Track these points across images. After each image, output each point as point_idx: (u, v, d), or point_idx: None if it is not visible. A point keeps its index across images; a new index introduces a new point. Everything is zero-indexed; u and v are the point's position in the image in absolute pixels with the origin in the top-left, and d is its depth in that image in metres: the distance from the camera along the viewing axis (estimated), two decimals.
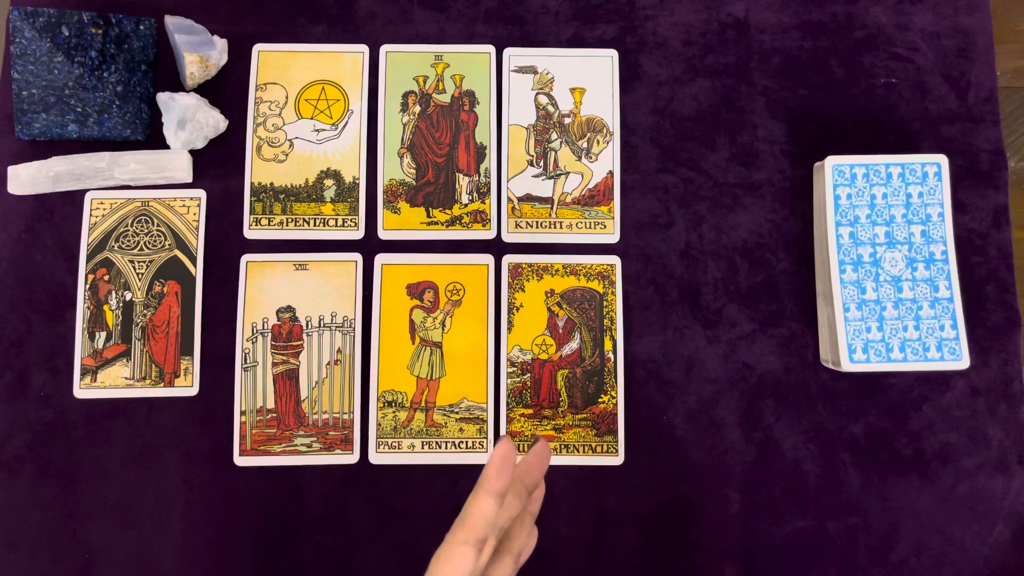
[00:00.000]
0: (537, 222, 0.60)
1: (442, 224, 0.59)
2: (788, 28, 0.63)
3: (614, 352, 0.59)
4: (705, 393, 0.58)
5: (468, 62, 0.61)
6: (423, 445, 0.57)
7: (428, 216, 0.60)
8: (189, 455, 0.57)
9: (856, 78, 0.62)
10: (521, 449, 0.57)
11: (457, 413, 0.58)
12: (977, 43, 0.63)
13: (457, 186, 0.60)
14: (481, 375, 0.58)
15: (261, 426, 0.57)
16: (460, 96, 0.61)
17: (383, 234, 0.60)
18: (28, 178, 0.59)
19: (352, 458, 0.57)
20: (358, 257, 0.59)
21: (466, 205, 0.60)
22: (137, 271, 0.59)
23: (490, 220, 0.59)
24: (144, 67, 0.60)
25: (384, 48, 0.61)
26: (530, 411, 0.58)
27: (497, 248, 0.60)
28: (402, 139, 0.60)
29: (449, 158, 0.60)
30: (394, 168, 0.60)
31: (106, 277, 0.59)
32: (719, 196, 0.61)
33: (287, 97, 0.61)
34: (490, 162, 0.60)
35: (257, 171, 0.60)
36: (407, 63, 0.61)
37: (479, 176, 0.60)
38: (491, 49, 0.62)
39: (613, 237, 0.60)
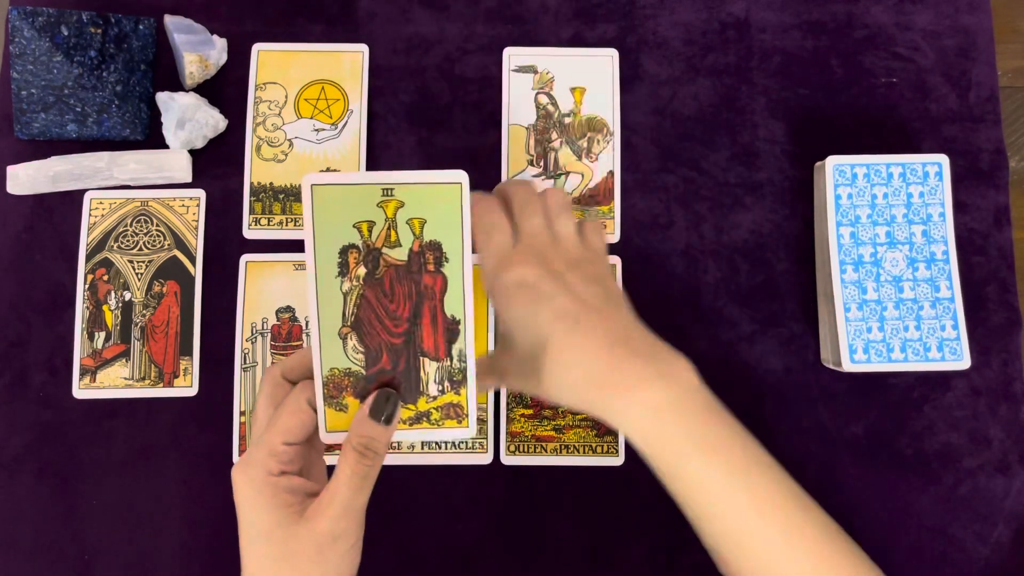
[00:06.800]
0: None
1: (405, 423, 0.44)
2: (789, 27, 0.63)
3: None
4: None
5: (429, 198, 0.42)
6: (423, 445, 0.57)
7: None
8: (189, 455, 0.57)
9: (857, 78, 0.62)
10: (522, 451, 0.57)
11: None
12: (978, 42, 0.63)
13: (422, 374, 0.44)
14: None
15: None
16: (421, 250, 0.43)
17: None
18: (27, 178, 0.59)
19: None
20: None
21: (435, 398, 0.44)
22: (136, 271, 0.59)
23: (467, 416, 0.44)
24: (143, 67, 0.60)
25: (307, 179, 0.41)
26: (530, 411, 0.58)
27: None
28: (343, 314, 0.43)
29: (409, 338, 0.44)
30: (335, 354, 0.43)
31: (105, 277, 0.58)
32: (720, 196, 0.61)
33: (287, 97, 0.61)
34: (464, 342, 0.43)
35: (256, 171, 0.60)
36: (344, 202, 0.42)
37: (451, 361, 0.44)
38: (462, 178, 0.42)
39: (613, 237, 0.60)
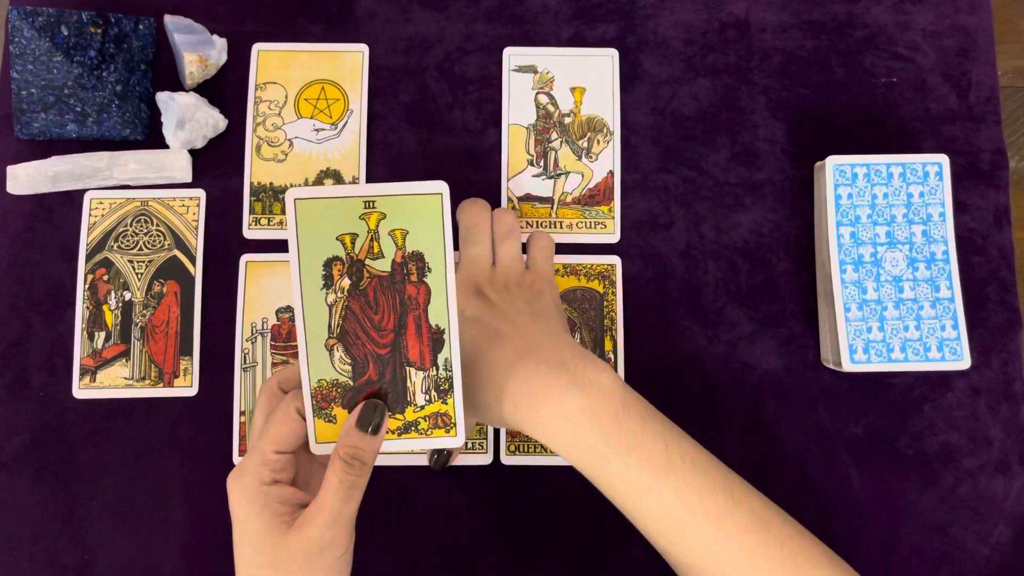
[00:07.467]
0: (537, 222, 0.60)
1: (393, 433, 0.45)
2: (789, 27, 0.63)
3: (614, 352, 0.59)
4: (705, 393, 0.58)
5: (411, 209, 0.43)
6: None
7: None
8: (189, 455, 0.57)
9: (857, 78, 0.62)
10: (522, 451, 0.57)
11: None
12: (978, 42, 0.63)
13: (409, 384, 0.45)
14: None
15: None
16: (404, 261, 0.44)
17: None
18: (27, 178, 0.59)
19: None
20: None
21: (422, 408, 0.45)
22: (136, 271, 0.59)
23: (455, 424, 0.45)
24: (143, 67, 0.60)
25: (291, 194, 0.42)
26: None
27: None
28: (329, 326, 0.44)
29: (395, 348, 0.44)
30: (322, 365, 0.44)
31: (105, 277, 0.58)
32: (720, 196, 0.61)
33: (287, 96, 0.61)
34: (450, 351, 0.44)
35: (257, 171, 0.60)
36: (327, 215, 0.43)
37: (437, 370, 0.44)
38: (442, 189, 0.43)
39: (613, 237, 0.60)
